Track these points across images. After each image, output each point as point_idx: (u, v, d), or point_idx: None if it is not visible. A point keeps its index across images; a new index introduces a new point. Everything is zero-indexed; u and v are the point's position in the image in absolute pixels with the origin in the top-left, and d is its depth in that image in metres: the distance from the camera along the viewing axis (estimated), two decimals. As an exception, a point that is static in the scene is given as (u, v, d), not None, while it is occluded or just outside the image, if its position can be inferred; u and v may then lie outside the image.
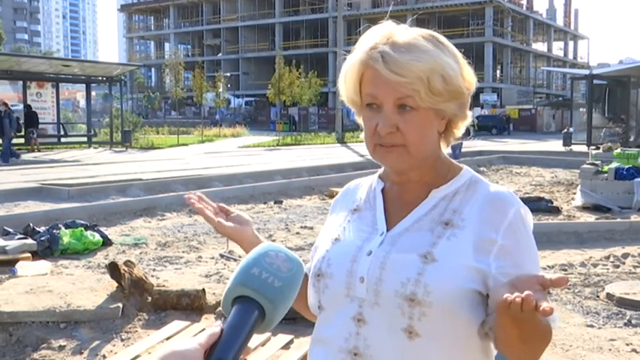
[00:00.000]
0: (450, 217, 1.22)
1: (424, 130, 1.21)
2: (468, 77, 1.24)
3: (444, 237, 1.20)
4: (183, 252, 7.44)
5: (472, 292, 1.17)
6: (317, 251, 1.35)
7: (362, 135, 1.29)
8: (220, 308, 5.12)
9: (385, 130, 1.20)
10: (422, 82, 1.16)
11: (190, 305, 5.13)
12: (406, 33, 1.21)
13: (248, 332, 0.86)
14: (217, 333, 0.85)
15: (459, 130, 1.30)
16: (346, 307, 1.23)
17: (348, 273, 1.24)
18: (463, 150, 19.10)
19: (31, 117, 23.19)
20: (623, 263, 6.85)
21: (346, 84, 1.26)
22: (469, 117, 1.29)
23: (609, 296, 5.60)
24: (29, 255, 6.77)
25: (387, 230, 1.26)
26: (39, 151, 23.02)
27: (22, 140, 24.26)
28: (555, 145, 26.89)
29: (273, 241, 8.17)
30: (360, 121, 1.30)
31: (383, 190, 1.33)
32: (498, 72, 65.22)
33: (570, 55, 78.90)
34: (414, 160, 1.23)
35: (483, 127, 41.37)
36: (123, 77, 27.99)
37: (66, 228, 7.57)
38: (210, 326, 3.49)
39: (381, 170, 1.37)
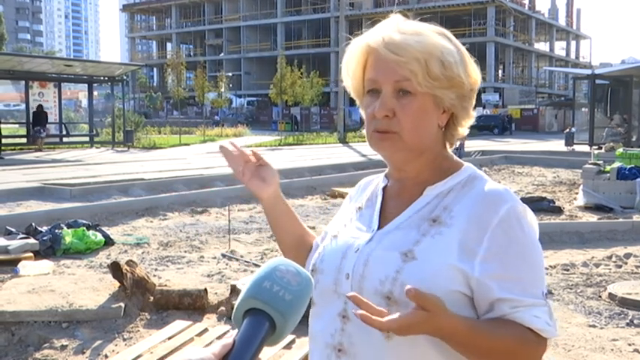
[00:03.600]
0: (439, 213, 1.20)
1: (421, 117, 1.20)
2: (473, 74, 1.23)
3: (428, 235, 1.17)
4: (185, 252, 7.44)
5: (453, 293, 1.13)
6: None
7: (364, 130, 1.29)
8: (222, 308, 5.12)
9: (381, 113, 1.19)
10: (419, 63, 1.16)
11: (192, 305, 5.13)
12: (412, 24, 1.23)
13: (259, 344, 0.87)
14: (230, 344, 0.86)
15: (463, 129, 1.28)
16: (334, 304, 1.24)
17: (336, 269, 1.24)
18: (466, 149, 19.11)
19: (41, 116, 23.35)
20: (626, 263, 6.84)
21: (350, 71, 1.26)
22: (473, 116, 1.28)
23: (611, 296, 5.59)
24: (31, 255, 6.78)
25: (379, 228, 1.25)
26: (42, 150, 23.10)
27: (24, 140, 24.37)
28: (557, 145, 26.87)
29: (275, 241, 8.17)
30: (363, 113, 1.29)
31: (385, 189, 1.33)
32: (500, 72, 65.19)
33: (572, 55, 78.81)
34: (408, 149, 1.21)
35: (485, 127, 41.37)
36: (125, 77, 27.99)
37: (68, 228, 7.57)
38: (213, 326, 3.45)
39: (388, 168, 1.37)
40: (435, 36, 1.20)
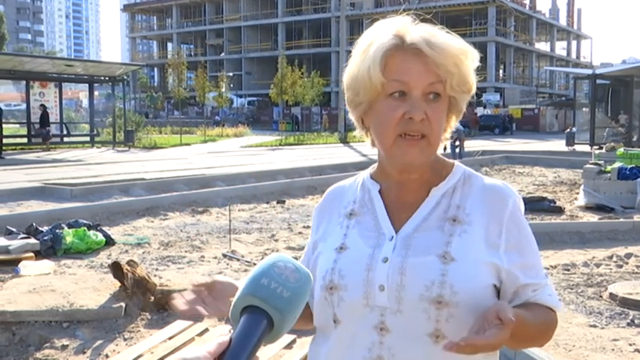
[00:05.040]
0: (454, 212, 1.23)
1: (442, 120, 1.22)
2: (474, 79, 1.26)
3: (455, 235, 1.20)
4: (186, 251, 7.44)
5: (489, 287, 1.20)
6: (320, 262, 1.29)
7: (356, 132, 1.29)
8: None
9: (419, 116, 1.16)
10: (456, 65, 1.18)
11: (193, 305, 5.13)
12: (421, 25, 1.22)
13: (256, 341, 0.86)
14: (226, 342, 0.84)
15: (450, 129, 1.31)
16: (366, 317, 1.20)
17: (364, 282, 1.20)
18: (466, 150, 19.10)
19: (45, 116, 23.43)
20: (626, 263, 6.84)
21: (366, 72, 1.19)
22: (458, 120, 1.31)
23: (612, 296, 5.59)
24: (32, 254, 6.78)
25: (395, 233, 1.23)
26: (50, 149, 23.18)
27: (24, 140, 24.38)
28: (558, 144, 26.87)
29: (276, 241, 8.18)
30: (355, 120, 1.28)
31: (380, 192, 1.30)
32: (501, 72, 65.17)
33: (573, 55, 78.79)
34: (432, 152, 1.22)
35: (486, 127, 41.38)
36: (126, 77, 27.94)
37: (69, 227, 7.57)
38: (214, 326, 3.44)
39: (371, 170, 1.35)
40: (458, 37, 1.21)
